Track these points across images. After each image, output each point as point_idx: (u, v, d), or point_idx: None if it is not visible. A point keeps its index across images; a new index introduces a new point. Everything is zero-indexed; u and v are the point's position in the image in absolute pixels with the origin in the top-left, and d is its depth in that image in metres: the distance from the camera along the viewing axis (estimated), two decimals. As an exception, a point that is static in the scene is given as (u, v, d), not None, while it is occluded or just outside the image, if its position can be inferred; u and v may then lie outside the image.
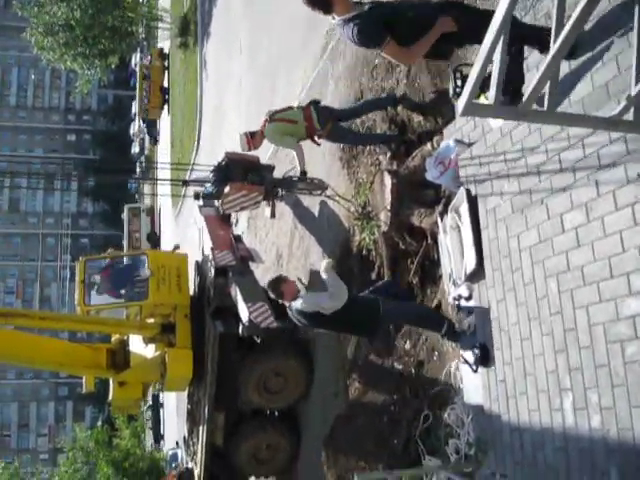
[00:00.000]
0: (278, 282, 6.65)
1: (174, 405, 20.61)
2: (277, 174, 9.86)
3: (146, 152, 43.19)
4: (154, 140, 40.59)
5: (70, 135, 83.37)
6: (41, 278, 76.25)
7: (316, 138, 8.57)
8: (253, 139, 8.66)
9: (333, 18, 4.70)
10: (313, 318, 6.54)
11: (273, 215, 10.27)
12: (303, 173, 8.90)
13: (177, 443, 26.08)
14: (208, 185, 9.61)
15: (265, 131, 8.55)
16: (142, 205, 40.26)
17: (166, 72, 38.59)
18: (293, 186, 9.34)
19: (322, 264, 6.53)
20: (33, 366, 12.35)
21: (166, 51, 38.51)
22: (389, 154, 8.24)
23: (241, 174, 9.10)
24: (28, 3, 33.04)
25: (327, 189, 9.29)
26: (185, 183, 11.59)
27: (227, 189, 9.07)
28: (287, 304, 6.68)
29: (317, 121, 8.27)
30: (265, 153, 13.04)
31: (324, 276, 6.40)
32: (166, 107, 38.45)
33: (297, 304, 6.50)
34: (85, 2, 30.62)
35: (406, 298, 6.99)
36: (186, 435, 13.82)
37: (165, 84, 38.30)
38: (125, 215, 37.69)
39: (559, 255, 4.38)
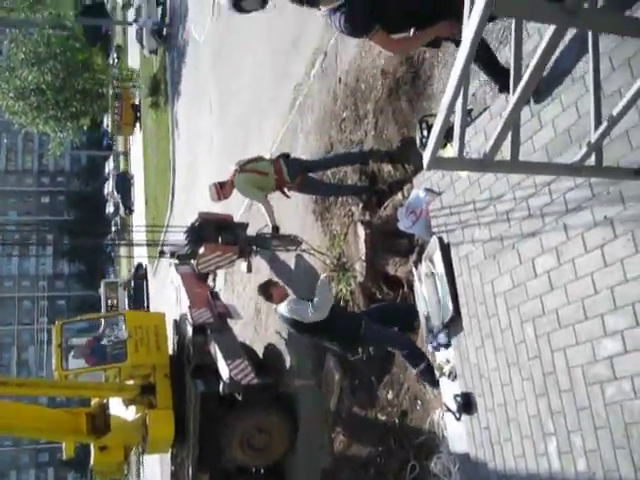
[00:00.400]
0: (268, 285, 7.17)
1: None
2: (252, 230, 9.89)
3: (121, 213, 43.03)
4: (129, 210, 40.53)
5: (44, 197, 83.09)
6: (18, 342, 75.07)
7: (286, 190, 8.63)
8: (223, 189, 8.63)
9: (319, 9, 4.48)
10: (295, 324, 6.89)
11: (250, 270, 10.27)
12: (275, 229, 8.89)
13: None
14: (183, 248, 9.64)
15: (235, 181, 8.52)
16: (119, 280, 40.16)
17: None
18: (267, 243, 9.35)
19: (321, 276, 7.04)
20: (13, 434, 12.12)
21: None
22: (361, 205, 8.31)
23: (214, 234, 9.08)
24: (-1, 68, 33.32)
25: (301, 244, 9.30)
26: (161, 254, 11.74)
27: (202, 250, 9.06)
28: (274, 307, 7.10)
29: (287, 174, 8.33)
30: (239, 208, 13.10)
31: (318, 286, 6.77)
32: (138, 125, 38.64)
33: (281, 308, 6.87)
34: (56, 66, 30.86)
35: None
36: (171, 498, 13.51)
37: (137, 101, 38.50)
38: (102, 290, 37.48)
39: (533, 299, 4.40)
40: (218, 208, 9.97)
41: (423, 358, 6.39)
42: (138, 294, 29.47)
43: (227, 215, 9.75)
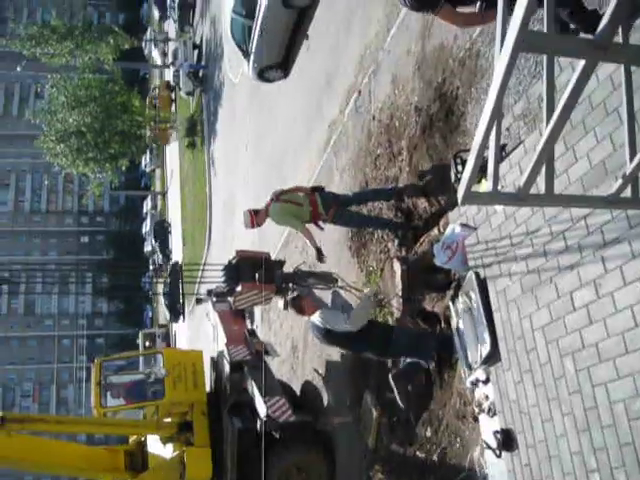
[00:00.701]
0: (298, 299, 7.34)
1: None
2: (288, 267, 9.93)
3: (158, 260, 43.42)
4: (166, 258, 41.06)
5: (83, 237, 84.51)
6: (57, 380, 75.76)
7: (320, 223, 8.70)
8: (257, 216, 8.74)
9: None
10: (327, 333, 7.02)
11: (286, 307, 10.29)
12: (318, 250, 8.90)
13: None
14: (220, 285, 9.73)
15: (270, 210, 8.64)
16: (157, 330, 40.63)
17: (173, 103, 39.54)
18: (303, 281, 9.37)
19: (365, 290, 7.35)
20: (52, 472, 12.16)
21: (172, 83, 39.56)
22: (397, 241, 8.33)
23: (252, 272, 9.14)
24: (41, 111, 34.24)
25: (337, 281, 9.30)
26: (198, 301, 11.95)
27: (239, 288, 9.12)
28: (307, 319, 7.32)
29: (321, 206, 8.42)
30: (276, 243, 13.18)
31: (361, 299, 7.17)
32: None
33: (315, 318, 7.02)
34: (95, 109, 31.62)
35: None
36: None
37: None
38: (140, 341, 37.86)
39: (572, 333, 4.35)
40: (255, 243, 10.02)
41: (421, 371, 6.81)
42: (173, 291, 29.99)
43: (264, 253, 9.82)
